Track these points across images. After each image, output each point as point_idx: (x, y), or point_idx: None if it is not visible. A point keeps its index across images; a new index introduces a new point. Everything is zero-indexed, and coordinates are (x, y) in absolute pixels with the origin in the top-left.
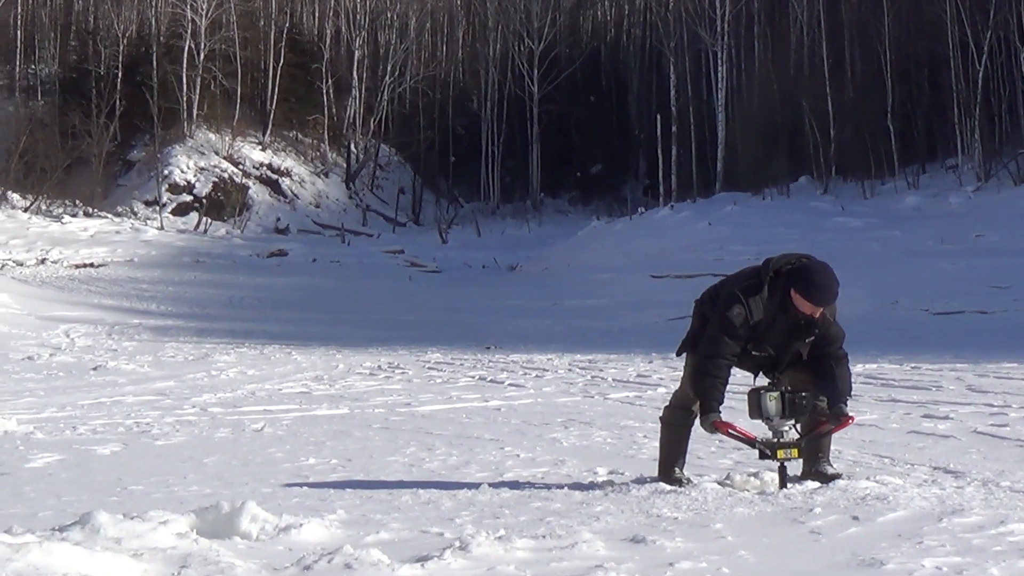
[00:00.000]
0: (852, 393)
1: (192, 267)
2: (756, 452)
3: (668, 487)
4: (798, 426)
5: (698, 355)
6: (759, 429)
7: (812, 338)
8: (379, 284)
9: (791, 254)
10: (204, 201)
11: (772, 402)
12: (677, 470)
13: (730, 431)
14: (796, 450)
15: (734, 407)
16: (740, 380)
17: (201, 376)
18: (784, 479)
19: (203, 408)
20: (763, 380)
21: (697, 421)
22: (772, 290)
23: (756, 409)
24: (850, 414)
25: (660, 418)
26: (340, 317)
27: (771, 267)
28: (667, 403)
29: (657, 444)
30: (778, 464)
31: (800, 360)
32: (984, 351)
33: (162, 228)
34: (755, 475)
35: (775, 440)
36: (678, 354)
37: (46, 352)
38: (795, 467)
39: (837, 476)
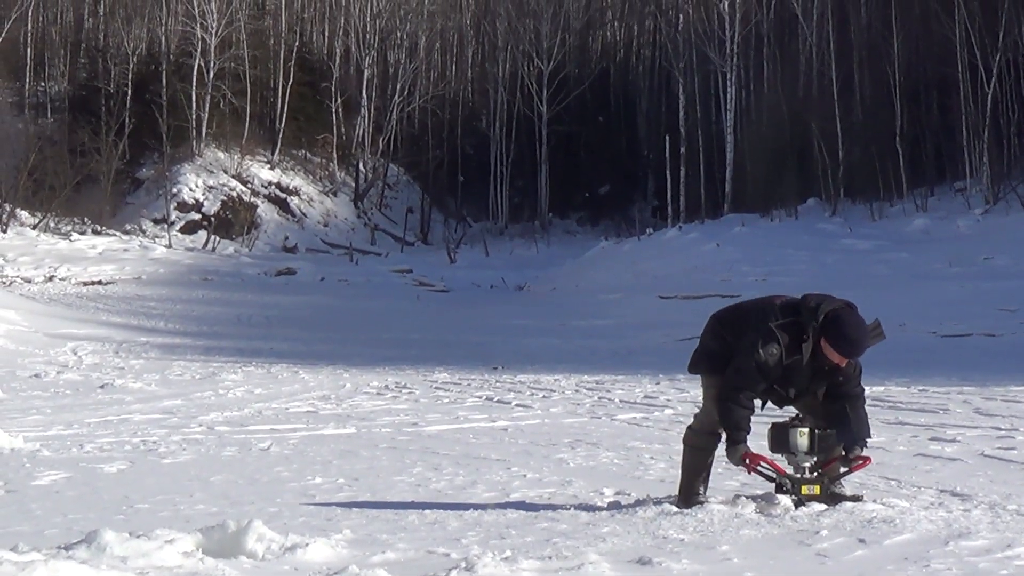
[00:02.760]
0: (871, 435)
1: (200, 285)
2: (775, 487)
3: (674, 509)
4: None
5: (727, 387)
6: (779, 463)
7: (831, 382)
8: (387, 303)
9: (830, 299)
10: (213, 219)
11: (802, 438)
12: (699, 494)
13: (761, 464)
14: (819, 487)
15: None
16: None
17: (208, 395)
18: (781, 484)
19: (210, 427)
20: (771, 406)
21: (721, 446)
22: (809, 334)
23: (783, 444)
24: (866, 456)
25: (684, 440)
26: (348, 336)
27: (819, 312)
28: (691, 425)
29: (665, 465)
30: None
31: (813, 397)
32: (992, 374)
33: (170, 246)
34: (762, 497)
35: (799, 476)
36: (690, 370)
37: (53, 370)
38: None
39: (856, 497)
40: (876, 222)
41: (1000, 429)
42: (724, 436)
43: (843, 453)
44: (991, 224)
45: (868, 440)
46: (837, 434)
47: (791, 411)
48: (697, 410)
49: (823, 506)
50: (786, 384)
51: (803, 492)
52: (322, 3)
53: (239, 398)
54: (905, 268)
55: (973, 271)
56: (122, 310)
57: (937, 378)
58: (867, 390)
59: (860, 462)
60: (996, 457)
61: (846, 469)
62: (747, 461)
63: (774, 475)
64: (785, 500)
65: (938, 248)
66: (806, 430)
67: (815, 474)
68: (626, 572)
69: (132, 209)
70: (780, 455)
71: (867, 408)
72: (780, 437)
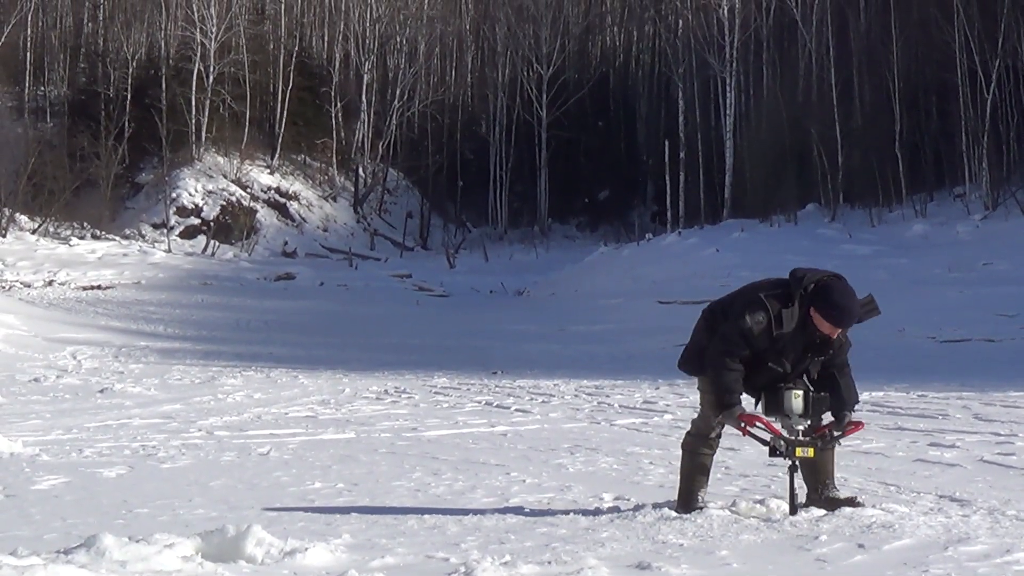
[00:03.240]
0: (858, 400)
1: (199, 290)
2: (768, 451)
3: (674, 514)
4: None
5: (711, 353)
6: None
7: (824, 357)
8: (386, 308)
9: (817, 271)
10: (212, 224)
11: (797, 400)
12: (698, 499)
13: (756, 424)
14: (812, 449)
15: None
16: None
17: (208, 399)
18: (794, 499)
19: (209, 431)
20: None
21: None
22: (799, 304)
23: (777, 406)
24: (857, 420)
25: (682, 445)
26: (347, 341)
27: (804, 282)
28: (689, 430)
29: (665, 470)
30: (788, 475)
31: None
32: (991, 379)
33: (170, 251)
34: (761, 502)
35: (793, 438)
36: (680, 366)
37: (53, 374)
38: (800, 495)
39: (852, 501)
40: (875, 228)
41: (999, 435)
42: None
43: (832, 419)
44: (990, 230)
45: (856, 405)
46: (831, 402)
47: None
48: (695, 415)
49: (822, 511)
50: (779, 358)
51: (797, 454)
52: (322, 8)
53: (238, 403)
54: (904, 274)
55: (972, 277)
56: (121, 315)
57: (936, 383)
58: (867, 395)
59: (852, 426)
60: (995, 462)
61: (839, 433)
62: (743, 423)
63: (768, 437)
64: (784, 505)
65: (937, 254)
66: (800, 392)
67: (808, 438)
68: None
69: (131, 214)
70: (774, 418)
71: (867, 413)
72: (774, 399)
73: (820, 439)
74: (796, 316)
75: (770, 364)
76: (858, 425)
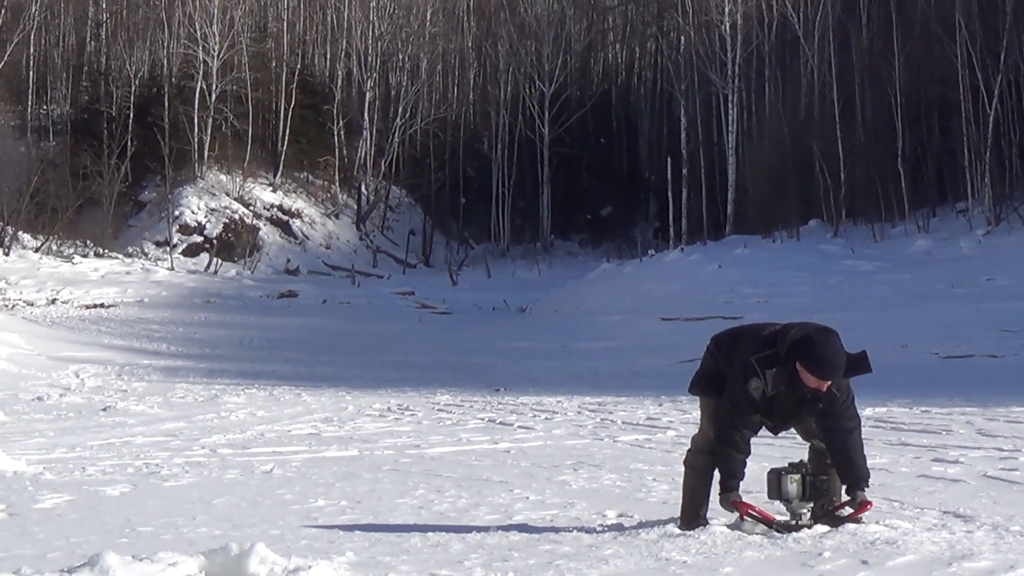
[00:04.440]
0: (870, 475)
1: (202, 308)
2: (770, 522)
3: (677, 531)
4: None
5: (723, 426)
6: (773, 509)
7: (819, 410)
8: (389, 325)
9: (808, 324)
10: (215, 242)
11: (793, 484)
12: (701, 515)
13: (749, 512)
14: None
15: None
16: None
17: (211, 417)
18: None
19: (212, 449)
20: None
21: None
22: (784, 362)
23: (776, 490)
24: (868, 499)
25: (685, 462)
26: (350, 358)
27: (788, 340)
28: (690, 447)
29: (668, 487)
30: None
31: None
32: (994, 395)
33: (173, 269)
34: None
35: (793, 523)
36: (690, 391)
37: (56, 392)
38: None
39: (858, 518)
40: (878, 243)
41: (1003, 450)
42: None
43: (847, 497)
44: (993, 245)
45: (868, 481)
46: (840, 472)
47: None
48: (696, 431)
49: (826, 528)
50: (770, 414)
51: None
52: (324, 26)
53: (241, 420)
54: (907, 289)
55: (975, 292)
56: (124, 333)
57: (939, 399)
58: (870, 411)
59: (861, 506)
60: (999, 478)
61: (847, 513)
62: (736, 510)
63: (766, 523)
64: (787, 520)
65: (940, 269)
66: (797, 477)
67: (812, 521)
68: None
69: (134, 232)
70: (776, 502)
71: (870, 429)
72: (773, 484)
73: (825, 521)
74: (780, 374)
75: (763, 419)
76: (868, 505)
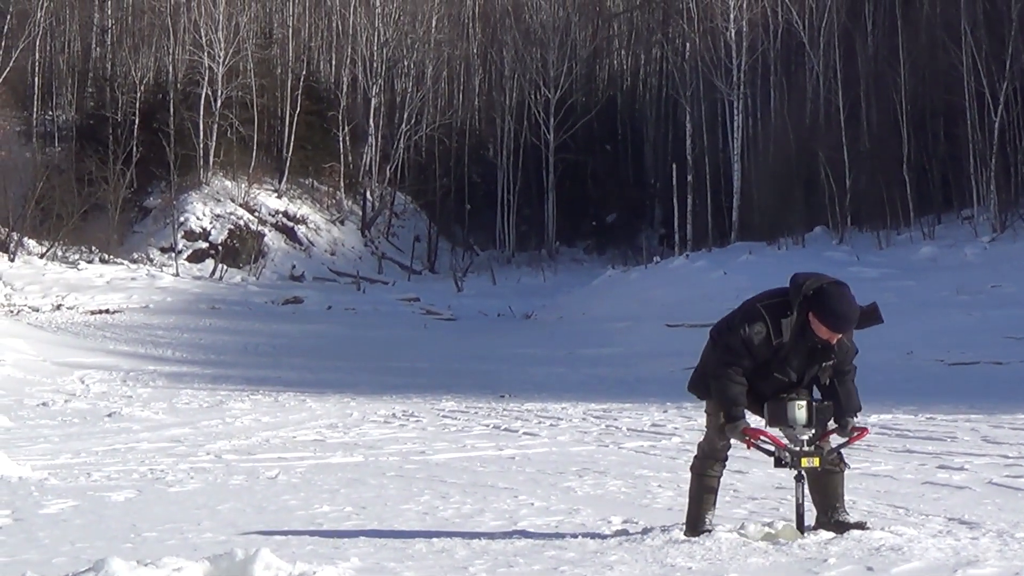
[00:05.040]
0: (861, 407)
1: (207, 314)
2: (773, 463)
3: (682, 537)
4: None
5: (714, 365)
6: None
7: (829, 363)
8: (394, 332)
9: (820, 276)
10: (220, 248)
11: (800, 410)
12: (707, 521)
13: (761, 438)
14: (818, 459)
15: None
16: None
17: (216, 423)
18: (801, 521)
19: (217, 455)
20: None
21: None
22: (798, 312)
23: (781, 417)
24: (861, 426)
25: (691, 468)
26: (355, 365)
27: (803, 289)
28: (696, 454)
29: (673, 493)
30: (795, 491)
31: (816, 381)
32: (999, 402)
33: (178, 275)
34: (770, 525)
35: (798, 449)
36: (689, 389)
37: (61, 398)
38: (809, 518)
39: (862, 525)
40: (883, 250)
41: (1008, 457)
42: (723, 415)
43: (835, 425)
44: (998, 252)
45: (859, 411)
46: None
47: None
48: (702, 438)
49: (831, 534)
50: (783, 367)
51: (803, 464)
52: (329, 32)
53: (246, 426)
54: (912, 296)
55: (980, 299)
56: (129, 339)
57: (944, 406)
58: (875, 417)
59: (856, 433)
60: (1004, 485)
61: (844, 440)
62: (747, 436)
63: (773, 449)
64: (792, 527)
65: (945, 276)
66: (803, 402)
67: (813, 447)
68: None
69: (139, 238)
70: (778, 429)
71: (876, 436)
72: (778, 410)
73: (825, 447)
74: (794, 323)
75: (775, 374)
76: (863, 432)
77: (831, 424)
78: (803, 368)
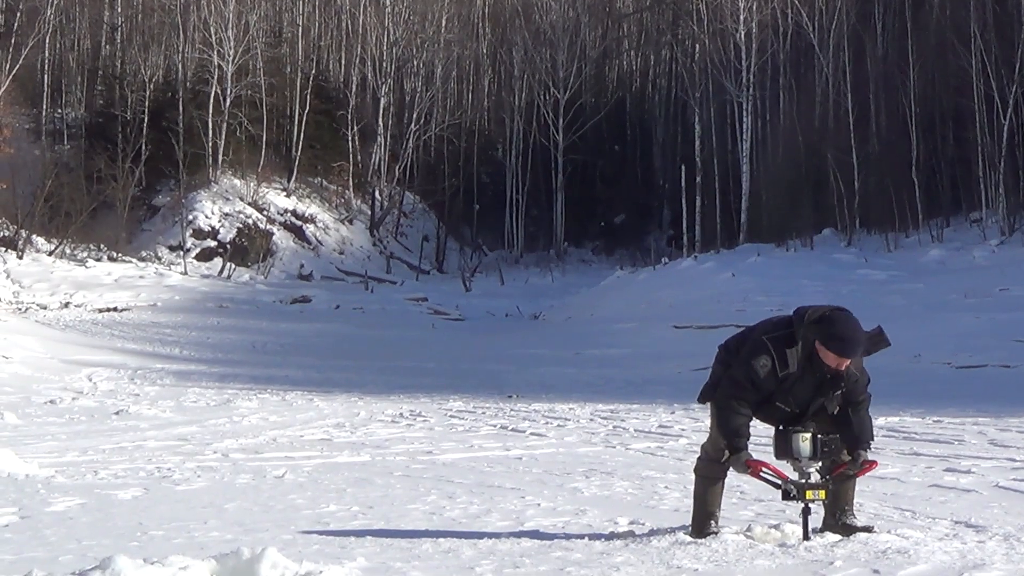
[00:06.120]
0: (873, 438)
1: (215, 312)
2: (780, 495)
3: (688, 539)
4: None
5: (720, 396)
6: (785, 470)
7: (839, 392)
8: (402, 332)
9: (821, 306)
10: (228, 247)
11: (804, 443)
12: (712, 524)
13: (763, 470)
14: (824, 492)
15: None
16: (761, 429)
17: (223, 422)
18: (807, 529)
19: (225, 454)
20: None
21: (731, 470)
22: (804, 342)
23: (786, 450)
24: (872, 459)
25: (695, 470)
26: (362, 364)
27: (805, 319)
28: (700, 455)
29: (680, 494)
30: (802, 507)
31: (824, 411)
32: (1007, 405)
33: (186, 273)
34: (776, 527)
35: (803, 481)
36: (700, 400)
37: (68, 396)
38: (816, 519)
39: (868, 528)
40: (892, 253)
41: (1015, 460)
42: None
43: (848, 458)
44: (1007, 255)
45: (871, 443)
46: (840, 437)
47: None
48: (706, 440)
49: (837, 537)
50: (786, 397)
51: (808, 497)
52: (339, 31)
53: (254, 425)
54: (920, 299)
55: (989, 302)
56: (137, 337)
57: (952, 409)
58: (882, 420)
59: (866, 465)
60: (1011, 488)
61: (852, 473)
62: (750, 468)
63: (779, 481)
64: (798, 530)
65: (954, 279)
66: (808, 435)
67: (822, 479)
68: None
69: (148, 236)
70: (785, 461)
71: (882, 438)
72: (783, 443)
73: (833, 481)
74: (800, 354)
75: (778, 404)
76: (872, 464)
77: (844, 456)
78: (809, 399)
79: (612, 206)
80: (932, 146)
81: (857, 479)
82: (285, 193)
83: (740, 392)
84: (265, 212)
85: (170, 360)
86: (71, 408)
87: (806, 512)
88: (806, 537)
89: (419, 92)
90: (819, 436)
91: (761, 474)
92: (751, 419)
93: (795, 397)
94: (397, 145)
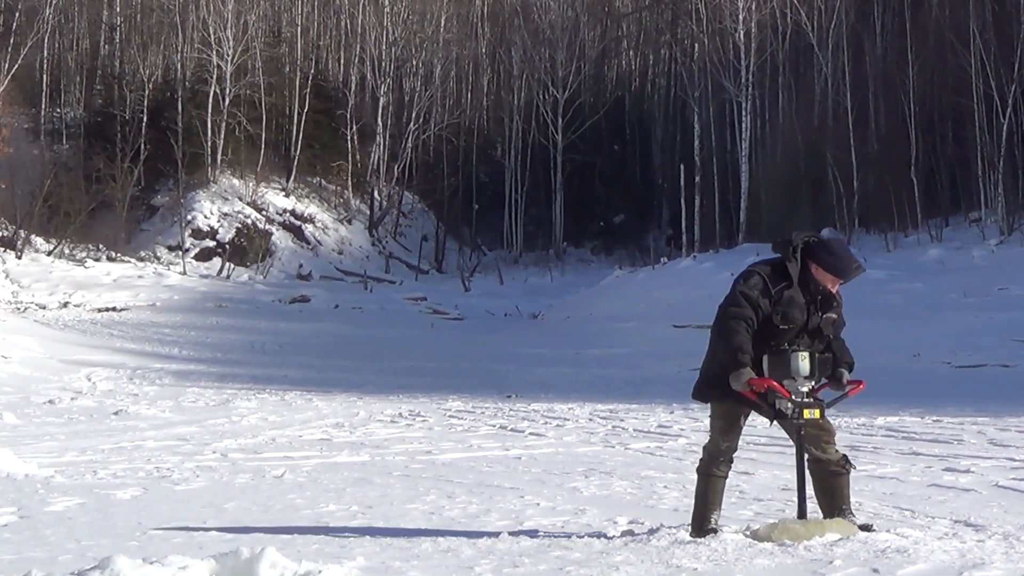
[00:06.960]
0: (854, 361)
1: (214, 312)
2: (773, 417)
3: (688, 538)
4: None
5: (722, 316)
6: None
7: (830, 315)
8: (401, 331)
9: (803, 232)
10: (227, 246)
11: (804, 361)
12: (712, 522)
13: (766, 387)
14: (819, 411)
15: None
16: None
17: (222, 422)
18: (803, 507)
19: (224, 454)
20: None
21: (721, 469)
22: (798, 265)
23: (783, 368)
24: (857, 380)
25: (697, 469)
26: (361, 364)
27: (795, 239)
28: (702, 455)
29: (679, 494)
30: (796, 433)
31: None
32: (1006, 405)
33: (185, 273)
34: (776, 526)
35: (800, 400)
36: (693, 397)
37: (68, 396)
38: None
39: (867, 527)
40: (891, 252)
41: (1014, 460)
42: (730, 362)
43: (830, 378)
44: (1006, 255)
45: (852, 366)
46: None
47: None
48: (707, 439)
49: (837, 536)
50: (787, 318)
51: (805, 415)
52: (338, 31)
53: (253, 425)
54: (919, 298)
55: (987, 302)
56: (136, 337)
57: (951, 408)
58: (882, 420)
59: (852, 386)
60: (1010, 488)
61: (842, 393)
62: (752, 385)
63: (777, 399)
64: (799, 530)
65: (953, 279)
66: (806, 353)
67: (812, 399)
68: None
69: (147, 236)
70: (779, 383)
71: (882, 438)
72: (780, 361)
73: (824, 401)
74: (796, 272)
75: (781, 326)
76: (859, 384)
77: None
78: (805, 320)
79: (611, 206)
80: (931, 146)
81: (851, 476)
82: (284, 193)
83: (738, 308)
84: (264, 212)
85: (169, 360)
86: (70, 408)
87: (800, 435)
88: (802, 514)
89: (418, 92)
90: (816, 354)
91: (764, 390)
92: (751, 336)
93: (794, 316)
94: (396, 145)
